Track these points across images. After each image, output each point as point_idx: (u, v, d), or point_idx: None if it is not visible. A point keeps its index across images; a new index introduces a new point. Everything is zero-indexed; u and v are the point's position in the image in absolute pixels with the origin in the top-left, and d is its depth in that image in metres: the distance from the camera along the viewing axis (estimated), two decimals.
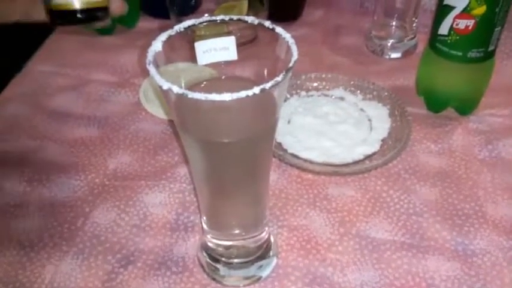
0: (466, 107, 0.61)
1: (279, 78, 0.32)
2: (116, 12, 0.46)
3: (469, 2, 0.53)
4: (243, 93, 0.31)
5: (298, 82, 0.65)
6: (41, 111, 0.63)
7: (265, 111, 0.36)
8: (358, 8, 0.81)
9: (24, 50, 0.74)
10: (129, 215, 0.51)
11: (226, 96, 0.31)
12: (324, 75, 0.65)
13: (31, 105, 0.64)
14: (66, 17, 0.37)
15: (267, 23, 0.37)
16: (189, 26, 0.38)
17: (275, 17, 0.72)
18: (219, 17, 0.38)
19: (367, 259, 0.47)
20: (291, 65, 0.34)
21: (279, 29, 0.37)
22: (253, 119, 0.37)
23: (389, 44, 0.72)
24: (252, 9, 0.73)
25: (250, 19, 0.38)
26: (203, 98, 0.31)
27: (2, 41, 0.77)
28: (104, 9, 0.38)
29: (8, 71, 0.70)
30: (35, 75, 0.69)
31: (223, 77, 0.40)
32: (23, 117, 0.62)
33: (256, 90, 0.31)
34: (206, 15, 0.76)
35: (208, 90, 0.32)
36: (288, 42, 0.36)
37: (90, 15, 0.37)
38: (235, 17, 0.38)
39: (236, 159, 0.38)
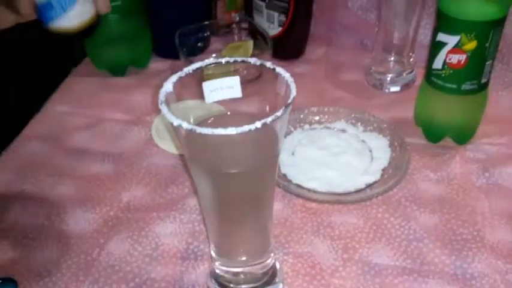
0: (463, 136, 0.64)
1: (278, 113, 0.35)
2: (102, 10, 0.45)
3: (460, 38, 0.56)
4: (246, 128, 0.34)
5: (302, 116, 0.68)
6: (58, 149, 0.66)
7: (267, 144, 0.39)
8: (358, 45, 0.84)
9: (43, 91, 0.78)
10: (141, 245, 0.53)
11: (231, 131, 0.34)
12: (326, 109, 0.68)
13: (49, 143, 0.67)
14: (64, 37, 0.40)
15: (268, 64, 0.40)
16: (197, 68, 0.41)
17: (279, 55, 0.77)
18: (224, 59, 0.42)
19: (370, 284, 0.48)
20: (289, 101, 0.37)
21: (279, 69, 0.40)
22: (256, 151, 0.40)
23: (388, 78, 0.75)
24: (258, 48, 0.77)
25: (253, 60, 0.41)
26: (210, 133, 0.34)
27: (22, 83, 0.82)
28: (96, 22, 0.40)
29: (27, 112, 0.74)
30: (53, 115, 0.73)
31: (228, 113, 0.43)
32: (41, 155, 0.65)
33: (258, 124, 0.34)
34: (214, 55, 0.81)
35: (215, 125, 0.35)
36: (287, 80, 0.39)
37: (85, 33, 0.40)
38: (239, 59, 0.42)
39: (241, 189, 0.41)
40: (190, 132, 0.35)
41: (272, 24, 0.79)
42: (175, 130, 0.37)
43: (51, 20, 0.37)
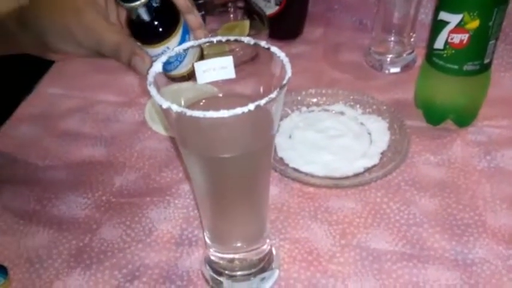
0: (464, 118, 0.63)
1: (273, 95, 0.34)
2: (204, 37, 0.47)
3: (463, 17, 0.54)
4: (238, 110, 0.33)
5: (299, 98, 0.66)
6: (50, 132, 0.65)
7: (261, 127, 0.38)
8: (357, 25, 0.82)
9: (34, 72, 0.77)
10: (134, 231, 0.52)
11: (223, 113, 0.33)
12: (324, 91, 0.66)
13: (41, 126, 0.66)
14: (177, 79, 0.44)
15: (263, 43, 0.39)
16: (188, 48, 0.39)
17: (276, 36, 0.75)
18: (216, 38, 0.40)
19: (368, 270, 0.47)
20: (284, 82, 0.35)
21: (274, 48, 0.38)
22: (250, 134, 0.38)
23: (388, 59, 0.74)
24: (254, 29, 0.75)
25: (247, 39, 0.39)
26: (201, 116, 0.33)
27: (13, 65, 0.79)
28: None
29: (19, 93, 0.73)
30: (45, 97, 0.71)
31: (220, 95, 0.42)
32: (32, 138, 0.64)
33: (252, 106, 0.33)
34: (209, 35, 0.78)
35: (206, 108, 0.33)
36: (282, 60, 0.37)
37: (194, 73, 0.43)
38: (232, 38, 0.40)
39: (235, 174, 0.39)
40: (180, 115, 0.33)
41: (269, 3, 0.77)
42: (165, 113, 0.36)
43: (169, 71, 0.42)
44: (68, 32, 0.45)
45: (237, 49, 0.53)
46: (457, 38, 0.56)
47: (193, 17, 0.47)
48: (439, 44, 0.58)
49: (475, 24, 0.54)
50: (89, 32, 0.45)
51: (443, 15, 0.56)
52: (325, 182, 0.55)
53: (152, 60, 0.44)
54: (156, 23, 0.42)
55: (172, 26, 0.43)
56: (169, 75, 0.42)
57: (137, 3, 0.40)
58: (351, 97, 0.66)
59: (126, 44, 0.44)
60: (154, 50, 0.43)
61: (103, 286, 0.47)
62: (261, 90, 0.40)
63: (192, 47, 0.41)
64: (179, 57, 0.41)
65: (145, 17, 0.42)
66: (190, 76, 0.43)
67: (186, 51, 0.41)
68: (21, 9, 0.47)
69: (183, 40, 0.44)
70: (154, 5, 0.42)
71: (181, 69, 0.42)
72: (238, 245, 0.45)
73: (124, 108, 0.68)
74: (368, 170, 0.57)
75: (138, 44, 0.44)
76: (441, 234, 0.50)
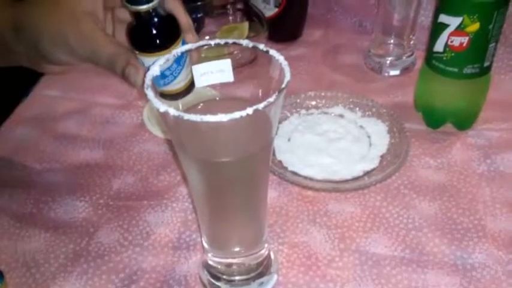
0: (464, 122, 0.62)
1: (271, 99, 0.33)
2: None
3: (463, 20, 0.54)
4: (236, 114, 0.32)
5: (298, 100, 0.66)
6: (47, 135, 0.64)
7: (260, 131, 0.38)
8: (357, 28, 0.82)
9: (31, 74, 0.76)
10: (132, 235, 0.52)
11: (221, 117, 0.32)
12: (323, 93, 0.66)
13: (38, 128, 0.65)
14: (170, 96, 0.43)
15: (261, 46, 0.38)
16: (186, 51, 0.39)
17: (275, 38, 0.75)
18: (214, 41, 0.39)
19: (367, 274, 0.47)
20: (283, 86, 0.35)
21: (272, 51, 0.38)
22: (248, 138, 0.38)
23: (387, 62, 0.73)
24: (253, 31, 0.74)
25: (245, 42, 0.39)
26: (198, 120, 0.32)
27: (10, 67, 0.79)
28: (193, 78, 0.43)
29: (16, 96, 0.72)
30: (42, 99, 0.71)
31: (217, 98, 0.41)
32: (30, 141, 0.64)
33: (250, 110, 0.32)
34: (207, 37, 0.78)
35: (204, 111, 0.33)
36: (281, 64, 0.37)
37: (188, 90, 0.43)
38: (230, 41, 0.40)
39: (233, 178, 0.39)
40: (177, 118, 0.33)
41: (268, 5, 0.76)
42: (162, 117, 0.35)
43: (162, 86, 0.41)
44: (64, 39, 0.45)
45: (236, 52, 0.53)
46: (457, 41, 0.56)
47: (191, 37, 0.47)
48: (438, 46, 0.57)
49: (475, 27, 0.54)
50: (85, 41, 0.45)
51: (443, 18, 0.56)
52: (325, 186, 0.55)
53: (146, 71, 0.43)
54: (157, 31, 0.42)
55: (173, 38, 0.43)
56: (160, 91, 0.41)
57: (144, 7, 0.40)
58: (351, 100, 0.65)
59: (122, 54, 0.44)
60: (151, 60, 0.42)
61: None
62: (260, 93, 0.40)
63: (188, 52, 0.40)
64: (174, 72, 0.41)
65: (148, 23, 0.41)
66: (183, 94, 0.43)
67: (182, 66, 0.40)
68: (16, 13, 0.47)
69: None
70: (159, 14, 0.42)
71: (176, 86, 0.42)
72: (237, 249, 0.45)
73: (122, 111, 0.68)
74: (367, 173, 0.56)
75: (136, 53, 0.43)
76: (441, 239, 0.50)
